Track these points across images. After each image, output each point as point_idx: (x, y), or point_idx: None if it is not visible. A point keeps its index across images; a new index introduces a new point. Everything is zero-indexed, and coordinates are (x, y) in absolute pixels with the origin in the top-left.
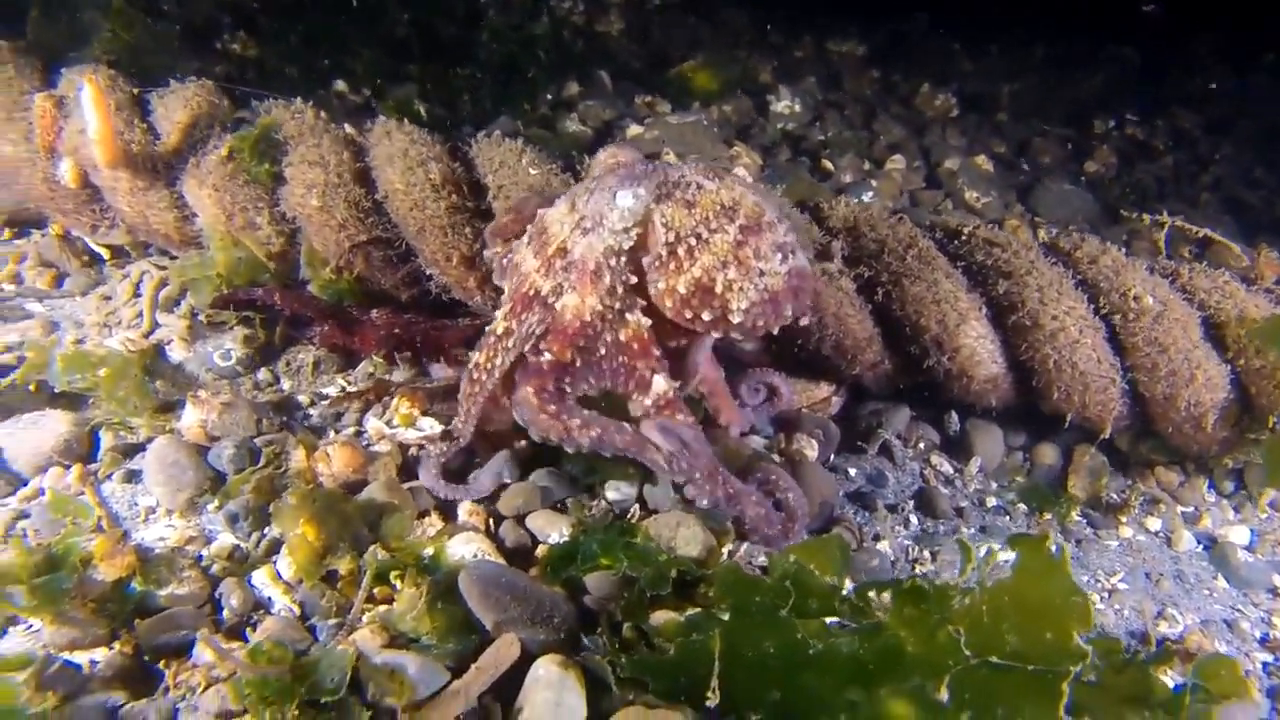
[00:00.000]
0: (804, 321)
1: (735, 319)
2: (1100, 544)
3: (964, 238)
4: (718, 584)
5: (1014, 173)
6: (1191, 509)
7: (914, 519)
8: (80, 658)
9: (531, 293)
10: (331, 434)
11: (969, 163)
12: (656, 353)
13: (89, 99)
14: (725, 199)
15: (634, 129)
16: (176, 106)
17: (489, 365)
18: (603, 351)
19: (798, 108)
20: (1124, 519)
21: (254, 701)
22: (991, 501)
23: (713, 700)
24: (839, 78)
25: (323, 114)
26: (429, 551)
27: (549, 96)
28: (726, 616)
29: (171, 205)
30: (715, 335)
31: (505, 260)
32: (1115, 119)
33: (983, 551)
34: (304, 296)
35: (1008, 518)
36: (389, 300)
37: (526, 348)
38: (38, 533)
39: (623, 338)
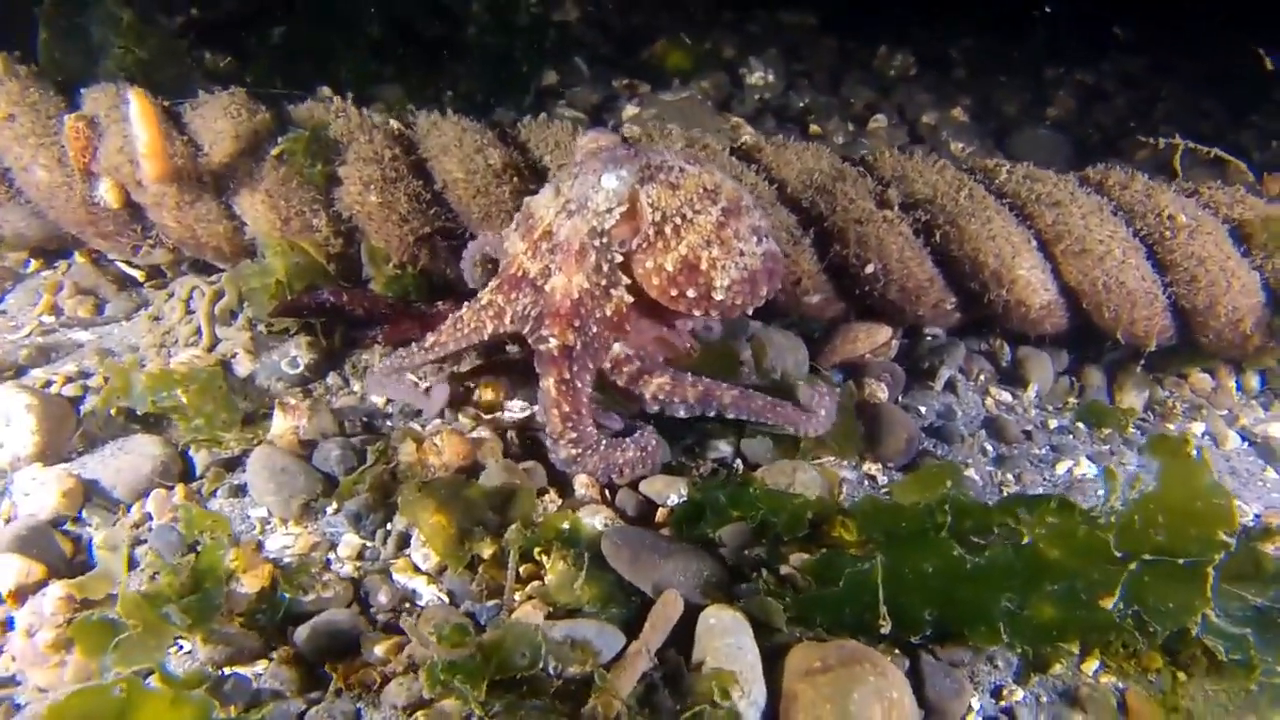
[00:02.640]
0: (869, 270)
1: (718, 296)
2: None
3: (1005, 175)
4: (861, 517)
5: (985, 122)
6: (1226, 411)
7: (989, 446)
8: (245, 671)
9: (519, 274)
10: (416, 428)
11: (946, 115)
12: (627, 327)
13: (137, 112)
14: (707, 182)
15: (630, 109)
16: (216, 116)
17: (473, 323)
18: (594, 329)
19: (771, 78)
20: (1171, 426)
21: (448, 685)
22: (1053, 423)
23: (885, 626)
24: (797, 48)
25: (365, 110)
26: (566, 525)
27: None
28: (860, 548)
29: (221, 216)
30: (696, 314)
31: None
32: (1065, 68)
33: (1063, 470)
34: (370, 295)
35: (1071, 437)
36: (453, 292)
37: (525, 329)
38: (159, 555)
39: (608, 312)
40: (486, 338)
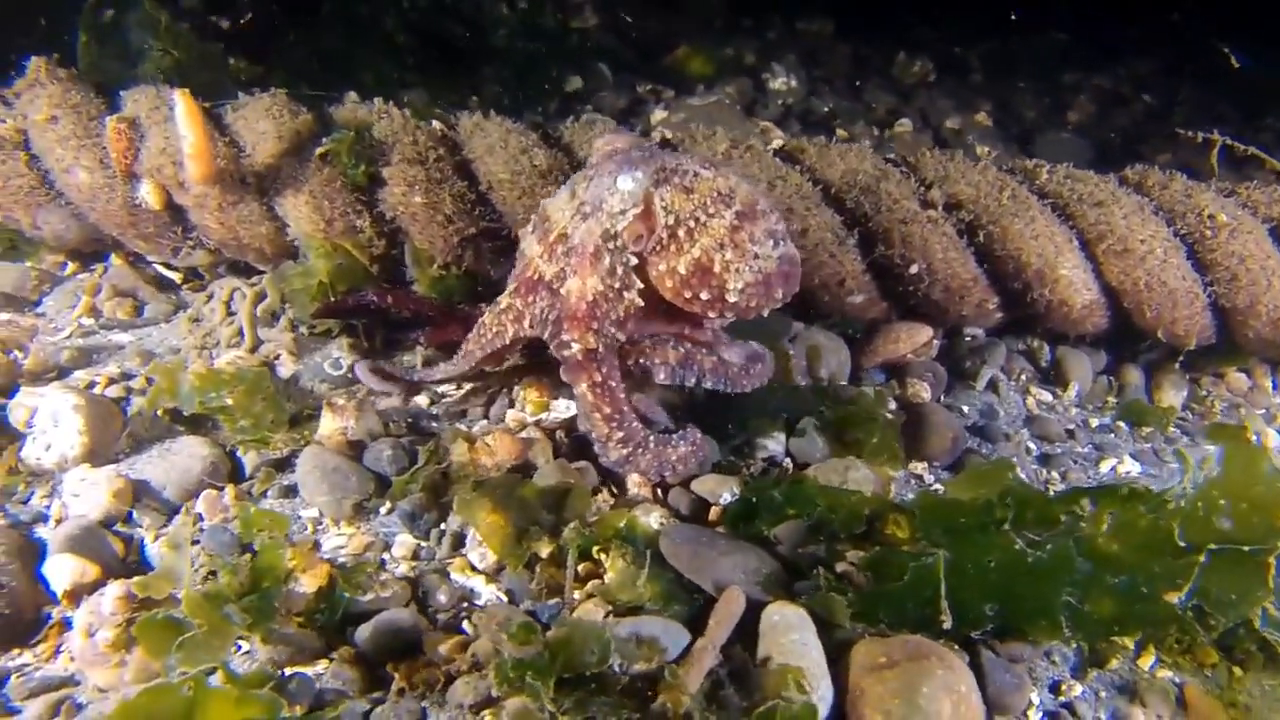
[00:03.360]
0: (914, 270)
1: (731, 299)
2: (1200, 449)
3: (1046, 176)
4: (922, 512)
5: (1006, 128)
6: (1264, 410)
7: (1032, 445)
8: (307, 671)
9: (535, 277)
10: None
11: (970, 120)
12: (631, 326)
13: (183, 113)
14: (722, 186)
15: (658, 113)
16: (258, 117)
17: (495, 328)
18: (612, 331)
19: (794, 84)
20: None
21: (518, 683)
22: (1094, 422)
23: (947, 622)
24: (814, 54)
25: (407, 111)
26: (623, 524)
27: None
28: (913, 544)
29: (264, 217)
30: (711, 315)
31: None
32: (1082, 73)
33: (1107, 468)
34: (417, 296)
35: (1113, 435)
36: (498, 293)
37: (546, 334)
38: (217, 554)
39: (620, 314)
40: (509, 342)
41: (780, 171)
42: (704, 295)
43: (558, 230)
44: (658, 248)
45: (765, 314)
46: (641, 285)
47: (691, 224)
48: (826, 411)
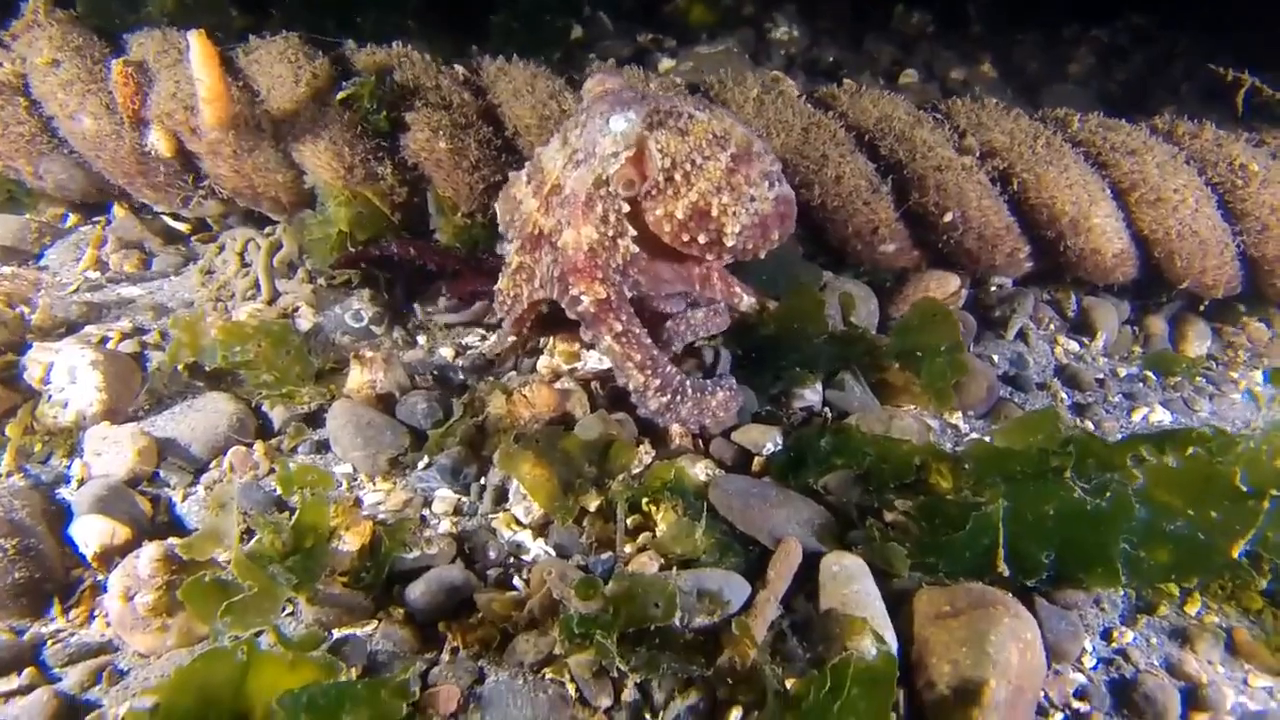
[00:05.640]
0: (948, 218)
1: (729, 242)
2: (1227, 398)
3: (1079, 125)
4: (977, 460)
5: (1009, 80)
6: None
7: (1064, 394)
8: (356, 632)
9: (536, 232)
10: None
11: (975, 71)
12: (633, 273)
13: (199, 55)
14: (716, 129)
15: (665, 62)
16: (273, 60)
17: (513, 292)
18: (616, 277)
19: (795, 33)
20: (1234, 375)
21: (584, 639)
22: (1123, 371)
23: (1004, 570)
24: (814, 4)
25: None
26: (671, 475)
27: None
28: (956, 494)
29: (280, 165)
30: (709, 258)
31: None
32: (1080, 25)
33: (1139, 417)
34: (440, 248)
35: (1142, 384)
36: None
37: (555, 294)
38: (245, 513)
39: (618, 260)
40: (526, 306)
41: (814, 118)
42: (701, 239)
43: (551, 181)
44: (654, 192)
45: (762, 255)
46: (635, 233)
47: (688, 167)
48: (869, 355)
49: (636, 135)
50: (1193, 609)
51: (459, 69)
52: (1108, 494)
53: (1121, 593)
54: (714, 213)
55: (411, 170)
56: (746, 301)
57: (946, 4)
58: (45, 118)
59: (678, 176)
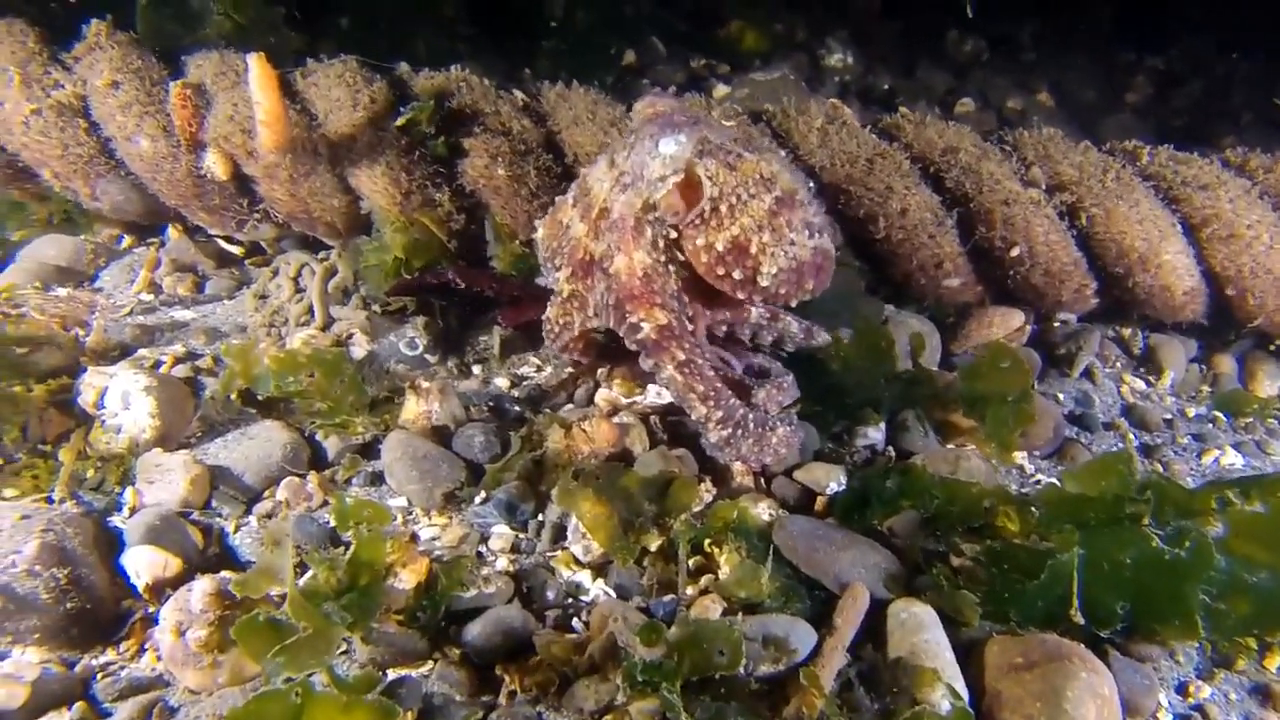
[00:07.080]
0: (1015, 252)
1: (763, 282)
2: None
3: (1148, 158)
4: (1049, 505)
5: (1067, 108)
6: None
7: (1132, 435)
8: (411, 673)
9: (587, 258)
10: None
11: (1032, 100)
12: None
13: (258, 78)
14: (764, 170)
15: (720, 88)
16: (331, 84)
17: (562, 321)
18: (675, 303)
19: (850, 60)
20: None
21: (647, 687)
22: (1192, 411)
23: (1078, 618)
24: (864, 31)
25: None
26: (735, 515)
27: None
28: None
29: (336, 190)
30: (740, 296)
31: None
32: (1134, 51)
33: (1210, 460)
34: (496, 275)
35: (1212, 425)
36: None
37: (611, 322)
38: (314, 549)
39: (675, 287)
40: (577, 334)
41: (878, 149)
42: (736, 274)
43: (599, 205)
44: (697, 221)
45: (793, 304)
46: (681, 259)
47: (733, 200)
48: (934, 396)
49: (686, 159)
50: (1273, 664)
51: (518, 94)
52: (1187, 543)
53: (1197, 645)
54: (753, 249)
55: (469, 197)
56: (821, 338)
57: (998, 29)
58: (104, 139)
59: (723, 208)
